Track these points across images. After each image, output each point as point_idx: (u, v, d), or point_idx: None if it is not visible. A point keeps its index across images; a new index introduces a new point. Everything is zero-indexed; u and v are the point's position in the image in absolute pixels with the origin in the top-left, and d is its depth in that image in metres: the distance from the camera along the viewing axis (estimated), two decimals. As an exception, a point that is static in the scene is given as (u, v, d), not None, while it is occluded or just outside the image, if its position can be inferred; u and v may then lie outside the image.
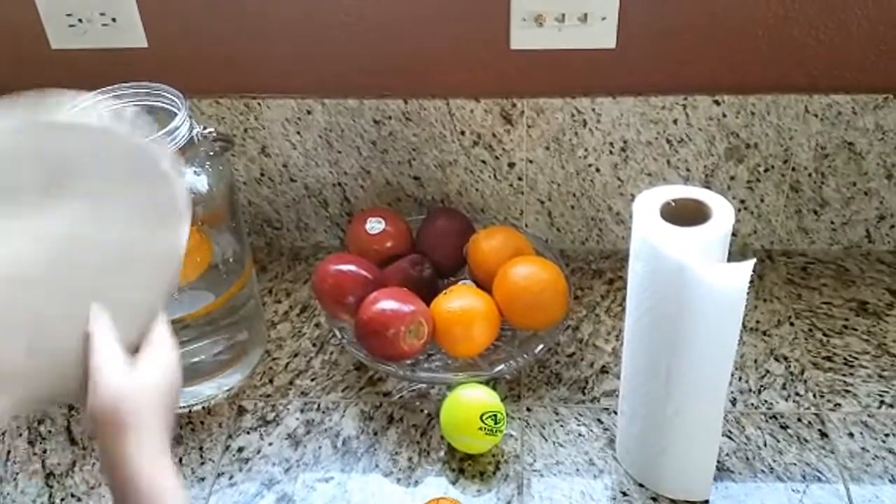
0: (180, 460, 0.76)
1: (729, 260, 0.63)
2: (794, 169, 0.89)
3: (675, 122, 0.87)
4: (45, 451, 0.78)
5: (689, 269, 0.61)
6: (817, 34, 0.83)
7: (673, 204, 0.65)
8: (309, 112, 0.90)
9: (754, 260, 0.60)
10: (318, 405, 0.80)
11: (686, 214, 0.64)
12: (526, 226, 0.96)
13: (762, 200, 0.92)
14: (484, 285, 0.84)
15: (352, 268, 0.83)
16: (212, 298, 0.81)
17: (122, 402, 0.51)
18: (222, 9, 0.85)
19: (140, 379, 0.53)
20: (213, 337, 0.82)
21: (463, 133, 0.90)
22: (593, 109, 0.87)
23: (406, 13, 0.84)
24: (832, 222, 0.93)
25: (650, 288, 0.65)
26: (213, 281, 0.81)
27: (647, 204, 0.65)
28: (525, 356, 0.80)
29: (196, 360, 0.81)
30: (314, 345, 0.87)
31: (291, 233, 0.99)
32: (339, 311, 0.82)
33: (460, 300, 0.80)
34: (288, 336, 0.88)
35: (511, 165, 0.92)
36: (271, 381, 0.83)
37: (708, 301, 0.62)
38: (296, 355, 0.86)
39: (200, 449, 0.77)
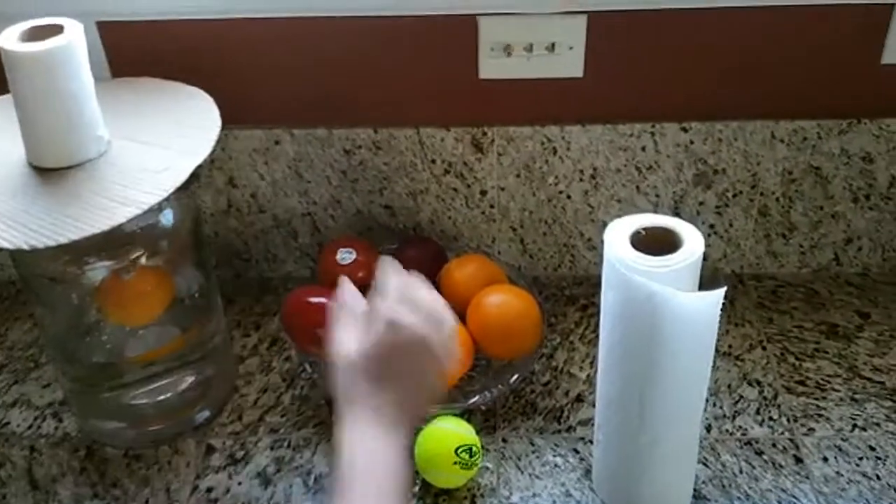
0: (146, 502, 0.74)
1: (700, 285, 0.63)
2: (762, 194, 0.90)
3: (643, 149, 0.88)
4: (4, 497, 0.75)
5: (661, 297, 0.60)
6: (782, 61, 0.84)
7: (643, 233, 0.65)
8: (277, 142, 0.89)
9: (725, 287, 0.60)
10: (289, 442, 0.79)
11: (657, 243, 0.64)
12: (499, 253, 0.95)
13: (731, 225, 0.92)
14: (457, 315, 0.83)
15: (322, 300, 0.81)
16: (178, 334, 0.80)
17: (339, 381, 0.54)
18: (187, 39, 0.84)
19: (351, 354, 0.54)
20: (180, 373, 0.80)
21: (434, 161, 0.89)
22: (563, 137, 0.87)
23: (375, 43, 0.84)
24: (801, 246, 0.93)
25: (622, 316, 0.64)
26: (179, 316, 0.80)
27: (618, 233, 0.65)
28: (500, 387, 0.79)
29: (162, 397, 0.79)
30: (284, 379, 0.86)
31: (260, 264, 0.97)
32: (309, 345, 0.81)
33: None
34: (257, 370, 0.87)
35: (483, 193, 0.91)
36: (240, 418, 0.81)
37: (680, 329, 0.62)
38: (265, 390, 0.84)
39: (167, 490, 0.75)
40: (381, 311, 0.56)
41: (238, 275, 0.98)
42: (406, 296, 0.57)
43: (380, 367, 0.54)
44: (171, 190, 0.66)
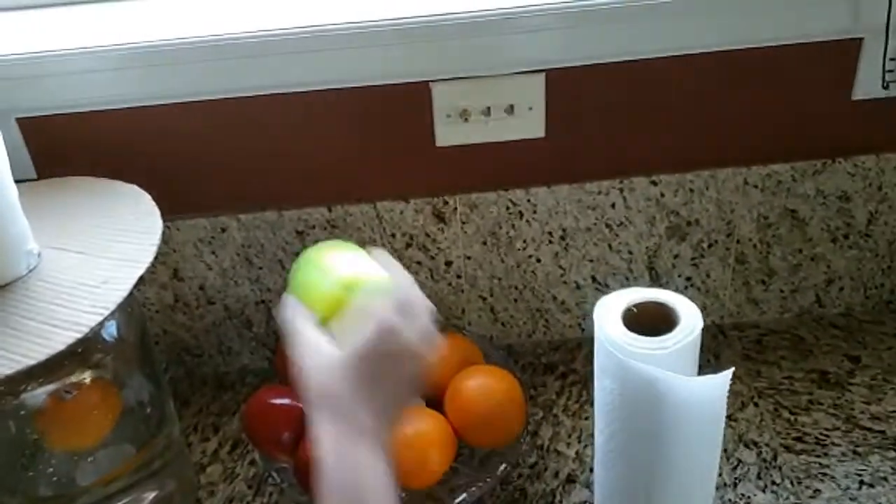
0: None
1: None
2: (738, 241, 0.87)
3: (612, 206, 0.84)
4: None
5: (664, 385, 0.56)
6: (750, 105, 0.80)
7: (635, 310, 0.60)
8: (223, 230, 0.82)
9: (732, 369, 0.56)
10: (263, 562, 0.72)
11: (649, 319, 0.60)
12: (469, 324, 0.90)
13: (708, 276, 0.89)
14: (432, 401, 0.77)
15: (285, 401, 0.75)
16: (131, 450, 0.72)
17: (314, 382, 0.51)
18: (116, 130, 0.77)
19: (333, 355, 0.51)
20: (137, 492, 0.72)
21: (394, 235, 0.84)
22: (528, 200, 0.83)
23: (322, 118, 0.79)
24: (781, 291, 0.90)
25: (622, 405, 0.59)
26: (130, 431, 0.72)
27: (608, 313, 0.60)
28: (488, 480, 0.73)
29: (119, 522, 0.71)
30: (250, 486, 0.78)
31: (214, 358, 0.90)
32: (274, 451, 0.74)
33: (410, 424, 0.73)
34: (220, 479, 0.79)
35: (448, 264, 0.86)
36: (206, 538, 0.74)
37: (686, 417, 0.57)
38: (231, 501, 0.77)
39: None
40: (377, 315, 0.52)
41: (191, 373, 0.91)
42: (403, 302, 0.54)
43: (364, 373, 0.51)
44: (114, 307, 0.59)
